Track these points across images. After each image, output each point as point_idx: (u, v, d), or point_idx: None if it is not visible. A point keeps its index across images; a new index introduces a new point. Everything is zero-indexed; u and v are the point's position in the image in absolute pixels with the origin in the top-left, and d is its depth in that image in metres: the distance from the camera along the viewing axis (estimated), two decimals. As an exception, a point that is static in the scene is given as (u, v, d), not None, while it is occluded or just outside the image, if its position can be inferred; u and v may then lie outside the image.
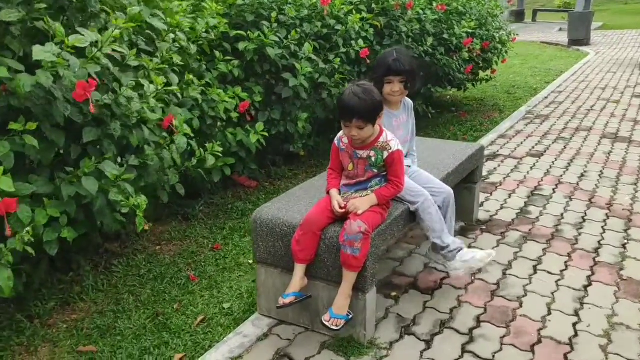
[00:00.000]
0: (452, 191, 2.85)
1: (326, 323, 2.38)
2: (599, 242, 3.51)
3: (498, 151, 5.49)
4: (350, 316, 2.42)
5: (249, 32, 3.98)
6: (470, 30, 6.03)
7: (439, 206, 2.77)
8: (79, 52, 2.29)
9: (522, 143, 5.78)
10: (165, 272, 3.38)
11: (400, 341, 2.56)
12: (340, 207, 2.44)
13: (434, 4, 5.72)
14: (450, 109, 7.77)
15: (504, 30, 7.67)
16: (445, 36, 5.76)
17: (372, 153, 2.45)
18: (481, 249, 2.92)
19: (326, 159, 5.01)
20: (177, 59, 3.21)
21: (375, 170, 2.48)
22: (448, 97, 8.76)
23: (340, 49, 4.52)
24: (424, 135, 6.33)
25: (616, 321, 2.70)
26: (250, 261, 3.42)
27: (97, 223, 2.74)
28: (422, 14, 5.41)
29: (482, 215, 3.94)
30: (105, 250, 3.72)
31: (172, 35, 3.02)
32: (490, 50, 7.14)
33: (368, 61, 4.64)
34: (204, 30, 3.51)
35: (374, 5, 5.03)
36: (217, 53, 3.82)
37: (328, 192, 2.56)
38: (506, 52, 7.56)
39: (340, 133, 2.53)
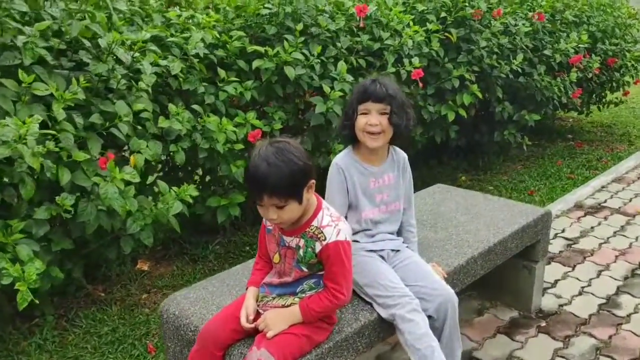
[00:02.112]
0: (454, 295, 1.90)
1: None
2: None
3: (605, 201, 4.24)
4: None
5: (267, 49, 3.29)
6: (582, 45, 4.78)
7: (429, 316, 1.86)
8: None
9: (642, 192, 4.45)
10: (129, 335, 2.85)
11: None
12: (250, 321, 1.64)
13: (534, 11, 4.59)
14: (566, 137, 6.47)
15: (641, 43, 6.21)
16: (547, 52, 4.60)
17: (302, 242, 1.62)
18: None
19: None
20: (143, 84, 2.63)
21: (305, 269, 1.64)
22: (570, 120, 7.39)
23: (389, 68, 3.66)
24: (523, 167, 5.21)
25: None
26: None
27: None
28: (513, 24, 4.33)
29: (548, 301, 2.87)
30: (86, 294, 3.27)
31: (122, 53, 2.42)
32: (619, 68, 5.76)
33: (421, 84, 3.72)
34: (193, 47, 2.88)
35: (444, 14, 4.07)
36: (222, 73, 3.17)
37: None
38: (642, 70, 6.11)
39: None
